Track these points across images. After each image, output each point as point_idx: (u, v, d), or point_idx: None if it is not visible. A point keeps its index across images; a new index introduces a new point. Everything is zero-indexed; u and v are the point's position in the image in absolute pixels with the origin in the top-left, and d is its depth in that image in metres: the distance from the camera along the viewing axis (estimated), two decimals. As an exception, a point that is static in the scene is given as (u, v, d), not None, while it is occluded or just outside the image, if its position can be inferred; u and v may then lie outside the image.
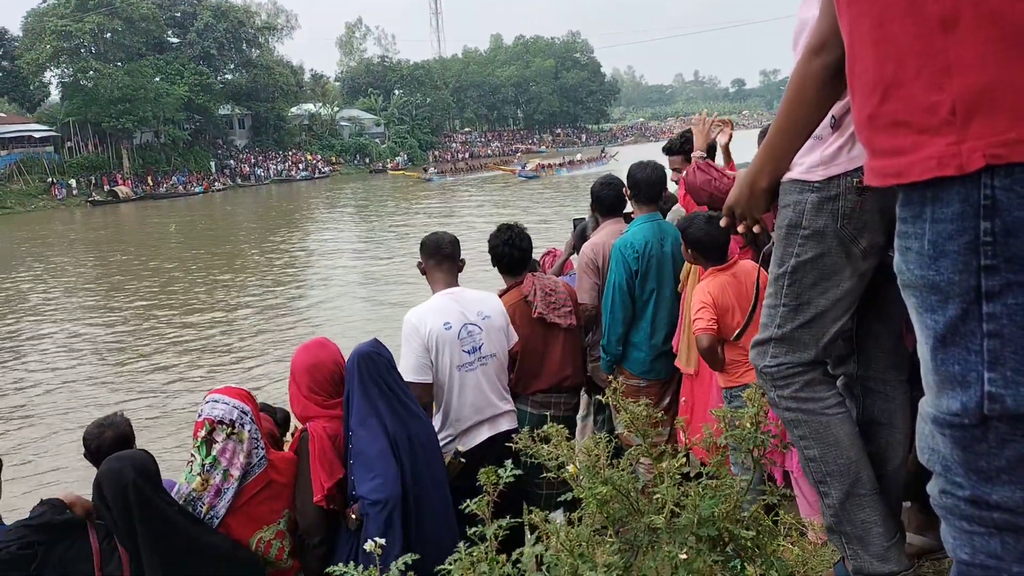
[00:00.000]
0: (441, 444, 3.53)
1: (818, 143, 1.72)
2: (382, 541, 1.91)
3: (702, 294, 3.55)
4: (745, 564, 1.79)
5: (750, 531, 1.67)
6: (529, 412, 3.92)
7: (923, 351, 1.19)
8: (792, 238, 1.74)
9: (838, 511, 1.80)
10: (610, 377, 2.27)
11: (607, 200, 4.53)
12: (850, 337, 1.90)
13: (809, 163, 1.73)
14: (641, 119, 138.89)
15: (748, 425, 1.72)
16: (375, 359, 3.12)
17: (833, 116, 1.69)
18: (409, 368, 3.46)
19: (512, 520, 1.92)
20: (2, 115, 55.23)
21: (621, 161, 56.96)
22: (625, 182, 4.39)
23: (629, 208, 4.54)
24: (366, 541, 2.80)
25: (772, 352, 1.78)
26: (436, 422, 3.58)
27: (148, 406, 11.96)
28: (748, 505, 1.93)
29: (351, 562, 1.93)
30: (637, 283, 4.12)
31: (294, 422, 3.48)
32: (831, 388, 1.80)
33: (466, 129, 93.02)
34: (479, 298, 3.77)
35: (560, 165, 59.65)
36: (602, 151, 67.63)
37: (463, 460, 3.41)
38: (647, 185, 4.29)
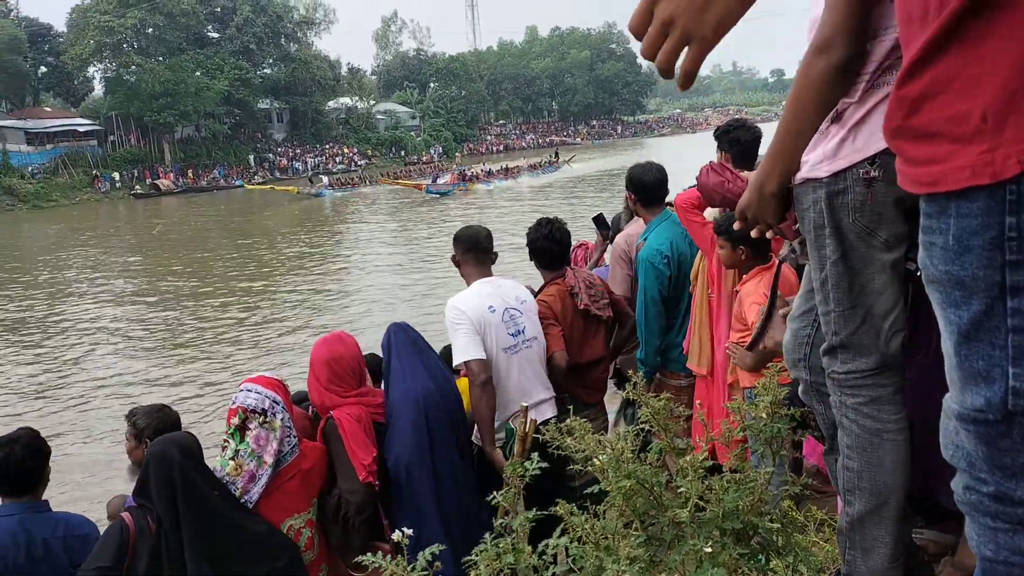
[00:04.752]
0: (478, 434, 3.57)
1: (821, 138, 1.69)
2: (410, 532, 1.93)
3: (758, 296, 3.40)
4: (770, 558, 1.80)
5: (774, 524, 1.67)
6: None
7: (947, 347, 1.18)
8: (821, 240, 1.72)
9: (854, 522, 1.79)
10: (630, 372, 2.27)
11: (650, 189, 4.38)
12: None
13: (813, 160, 1.70)
14: (678, 110, 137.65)
15: (763, 416, 1.71)
16: (406, 328, 3.58)
17: (835, 109, 1.66)
18: (462, 348, 3.49)
19: (539, 512, 1.94)
20: (47, 109, 56.74)
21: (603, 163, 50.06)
22: (628, 188, 4.36)
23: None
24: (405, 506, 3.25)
25: (841, 358, 1.76)
26: None
27: (187, 394, 12.19)
28: (774, 498, 1.93)
29: (381, 552, 1.97)
30: (672, 287, 4.09)
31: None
32: (898, 411, 1.75)
33: (501, 121, 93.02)
34: (513, 285, 3.85)
35: (489, 175, 46.14)
36: (555, 154, 55.18)
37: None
38: (654, 187, 4.27)
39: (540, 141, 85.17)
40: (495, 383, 3.57)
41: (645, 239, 4.24)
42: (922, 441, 1.73)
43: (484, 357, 3.49)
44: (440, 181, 44.15)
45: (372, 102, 74.49)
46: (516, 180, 45.84)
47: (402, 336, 3.54)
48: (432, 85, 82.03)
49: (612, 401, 5.03)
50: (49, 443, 3.24)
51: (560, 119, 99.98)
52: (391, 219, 35.02)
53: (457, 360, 3.50)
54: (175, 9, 54.70)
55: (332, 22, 71.67)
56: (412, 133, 73.34)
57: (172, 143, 56.73)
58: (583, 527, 1.79)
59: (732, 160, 3.93)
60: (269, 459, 2.90)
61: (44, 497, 3.16)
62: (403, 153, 69.50)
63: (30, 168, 49.10)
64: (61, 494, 7.95)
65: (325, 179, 49.86)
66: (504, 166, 49.31)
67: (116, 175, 52.22)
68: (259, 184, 50.80)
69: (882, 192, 1.61)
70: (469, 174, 45.59)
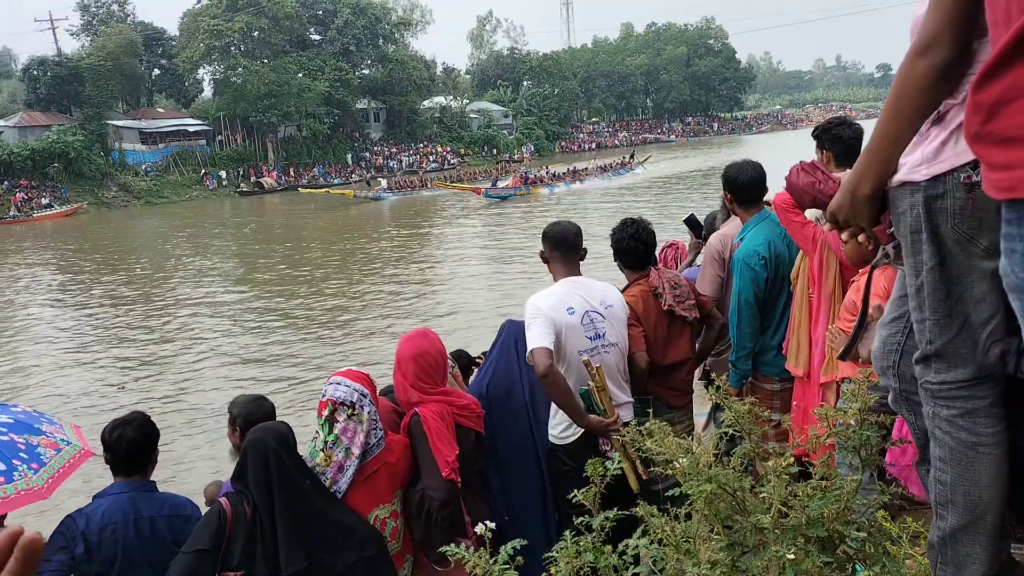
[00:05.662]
0: (559, 432, 3.58)
1: (920, 140, 1.63)
2: (492, 525, 1.97)
3: (877, 287, 3.32)
4: (858, 567, 1.75)
5: (861, 532, 1.63)
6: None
7: None
8: (917, 245, 1.66)
9: (946, 536, 1.72)
10: (713, 375, 2.23)
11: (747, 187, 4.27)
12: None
13: (912, 162, 1.63)
14: (778, 106, 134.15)
15: (852, 422, 1.67)
16: (515, 327, 3.78)
17: (937, 111, 1.60)
18: (533, 338, 3.44)
19: (620, 512, 1.95)
20: (160, 110, 59.72)
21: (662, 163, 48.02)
22: (724, 187, 4.27)
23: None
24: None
25: (935, 368, 1.70)
26: (556, 413, 3.60)
27: (274, 377, 12.64)
28: (863, 507, 1.88)
29: (464, 543, 2.01)
30: (768, 288, 4.01)
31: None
32: (994, 424, 1.68)
33: (594, 119, 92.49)
34: (602, 287, 3.77)
35: (554, 178, 43.26)
36: (631, 156, 50.80)
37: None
38: (750, 186, 4.16)
39: (633, 139, 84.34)
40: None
41: (741, 239, 4.16)
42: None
43: (547, 346, 3.40)
44: (501, 184, 42.13)
45: (466, 101, 75.31)
46: (583, 183, 43.06)
47: (504, 334, 3.85)
48: (525, 83, 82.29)
49: (705, 404, 4.97)
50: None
51: (654, 116, 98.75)
52: (466, 220, 35.05)
53: (528, 351, 3.48)
54: (279, 12, 56.60)
55: (428, 23, 72.84)
56: (505, 131, 73.75)
57: (275, 142, 58.74)
58: (664, 529, 1.79)
59: (834, 158, 3.81)
60: (356, 451, 2.98)
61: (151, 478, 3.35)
62: (495, 152, 70.00)
63: (144, 166, 51.77)
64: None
65: (384, 182, 48.72)
66: (572, 168, 46.04)
67: (223, 173, 54.50)
68: (310, 188, 49.76)
69: (984, 197, 1.54)
70: (532, 177, 43.09)
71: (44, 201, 45.00)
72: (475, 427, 3.42)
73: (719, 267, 4.42)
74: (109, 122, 52.40)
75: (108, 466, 3.25)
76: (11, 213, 42.99)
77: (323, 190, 47.67)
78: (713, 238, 4.58)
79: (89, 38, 58.37)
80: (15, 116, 51.93)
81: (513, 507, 3.53)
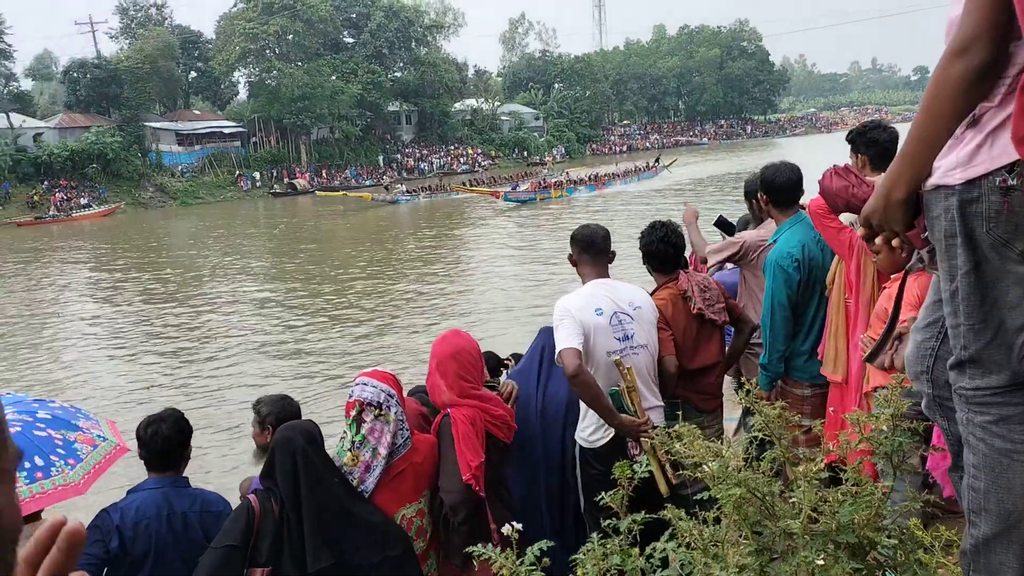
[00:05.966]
0: (588, 436, 3.58)
1: (955, 143, 1.60)
2: (519, 526, 1.97)
3: (910, 295, 3.31)
4: (888, 574, 1.73)
5: (892, 539, 1.61)
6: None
7: None
8: (952, 249, 1.64)
9: (979, 544, 1.70)
10: (743, 378, 2.22)
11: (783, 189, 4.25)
12: None
13: (946, 166, 1.61)
14: (813, 109, 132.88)
15: (884, 428, 1.65)
16: (547, 334, 3.80)
17: (972, 114, 1.58)
18: (562, 339, 3.43)
19: (647, 516, 1.95)
20: (196, 112, 60.66)
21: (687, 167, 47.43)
22: (761, 188, 4.25)
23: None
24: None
25: (969, 374, 1.68)
26: (585, 415, 3.60)
27: (294, 374, 12.75)
28: (895, 514, 1.86)
29: (490, 544, 2.02)
30: (800, 291, 3.98)
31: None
32: None
33: (625, 122, 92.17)
34: (630, 289, 3.76)
35: (574, 183, 42.10)
36: (656, 160, 49.78)
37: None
38: (787, 189, 4.14)
39: (665, 141, 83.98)
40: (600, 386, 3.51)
41: (775, 241, 4.13)
42: None
43: (576, 347, 3.38)
44: (520, 188, 41.45)
45: (497, 103, 75.43)
46: (606, 188, 42.29)
47: (536, 339, 3.94)
48: (557, 86, 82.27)
49: (735, 409, 4.93)
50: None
51: (686, 119, 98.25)
52: (494, 222, 34.90)
53: (557, 353, 3.46)
54: (313, 16, 57.22)
55: (460, 25, 73.07)
56: (535, 134, 73.74)
57: (308, 144, 59.36)
58: (692, 533, 1.78)
59: (869, 162, 3.77)
60: (383, 451, 3.00)
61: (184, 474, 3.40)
62: (526, 154, 70.02)
63: (180, 167, 52.67)
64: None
65: (402, 186, 48.93)
66: (593, 173, 44.87)
67: (257, 175, 55.24)
68: (327, 191, 50.15)
69: (1019, 201, 1.52)
70: (552, 182, 41.86)
71: (83, 201, 45.90)
72: (504, 439, 3.42)
73: (727, 253, 4.50)
74: (146, 123, 53.41)
75: (142, 461, 3.30)
76: (51, 213, 43.90)
77: (340, 192, 48.29)
78: (750, 234, 4.58)
79: (128, 41, 59.48)
80: (55, 117, 53.12)
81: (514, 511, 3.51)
